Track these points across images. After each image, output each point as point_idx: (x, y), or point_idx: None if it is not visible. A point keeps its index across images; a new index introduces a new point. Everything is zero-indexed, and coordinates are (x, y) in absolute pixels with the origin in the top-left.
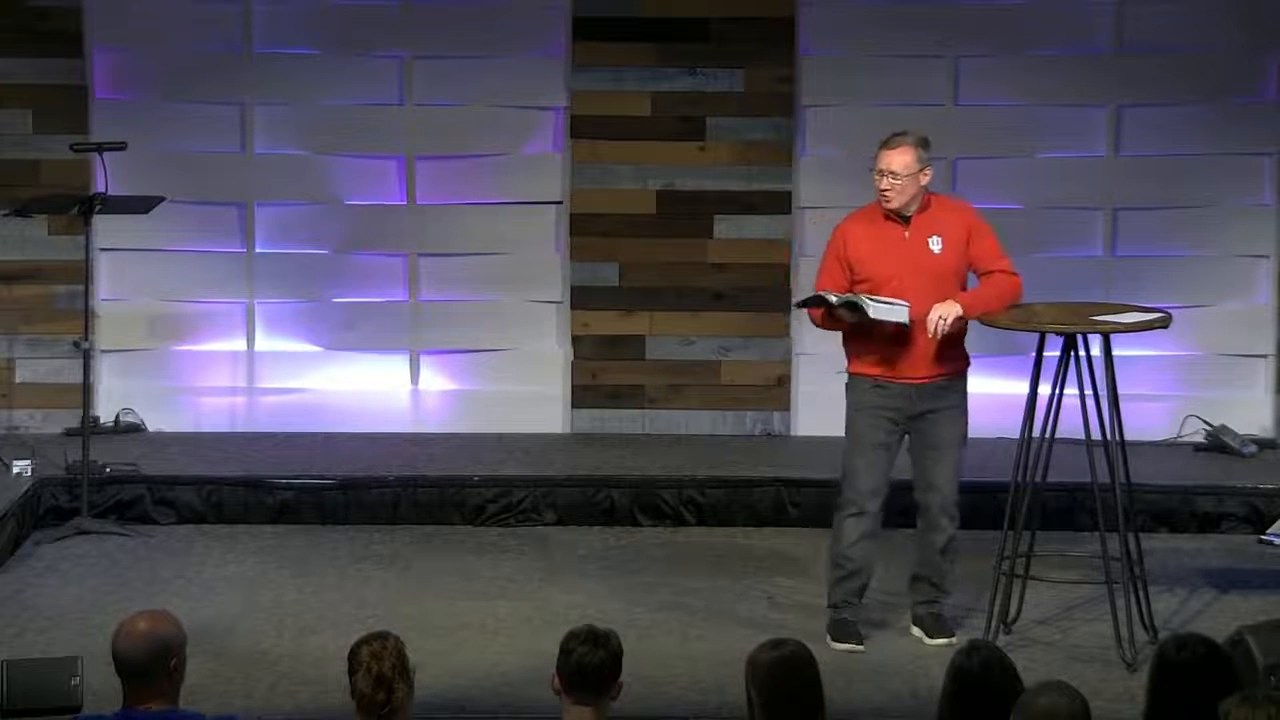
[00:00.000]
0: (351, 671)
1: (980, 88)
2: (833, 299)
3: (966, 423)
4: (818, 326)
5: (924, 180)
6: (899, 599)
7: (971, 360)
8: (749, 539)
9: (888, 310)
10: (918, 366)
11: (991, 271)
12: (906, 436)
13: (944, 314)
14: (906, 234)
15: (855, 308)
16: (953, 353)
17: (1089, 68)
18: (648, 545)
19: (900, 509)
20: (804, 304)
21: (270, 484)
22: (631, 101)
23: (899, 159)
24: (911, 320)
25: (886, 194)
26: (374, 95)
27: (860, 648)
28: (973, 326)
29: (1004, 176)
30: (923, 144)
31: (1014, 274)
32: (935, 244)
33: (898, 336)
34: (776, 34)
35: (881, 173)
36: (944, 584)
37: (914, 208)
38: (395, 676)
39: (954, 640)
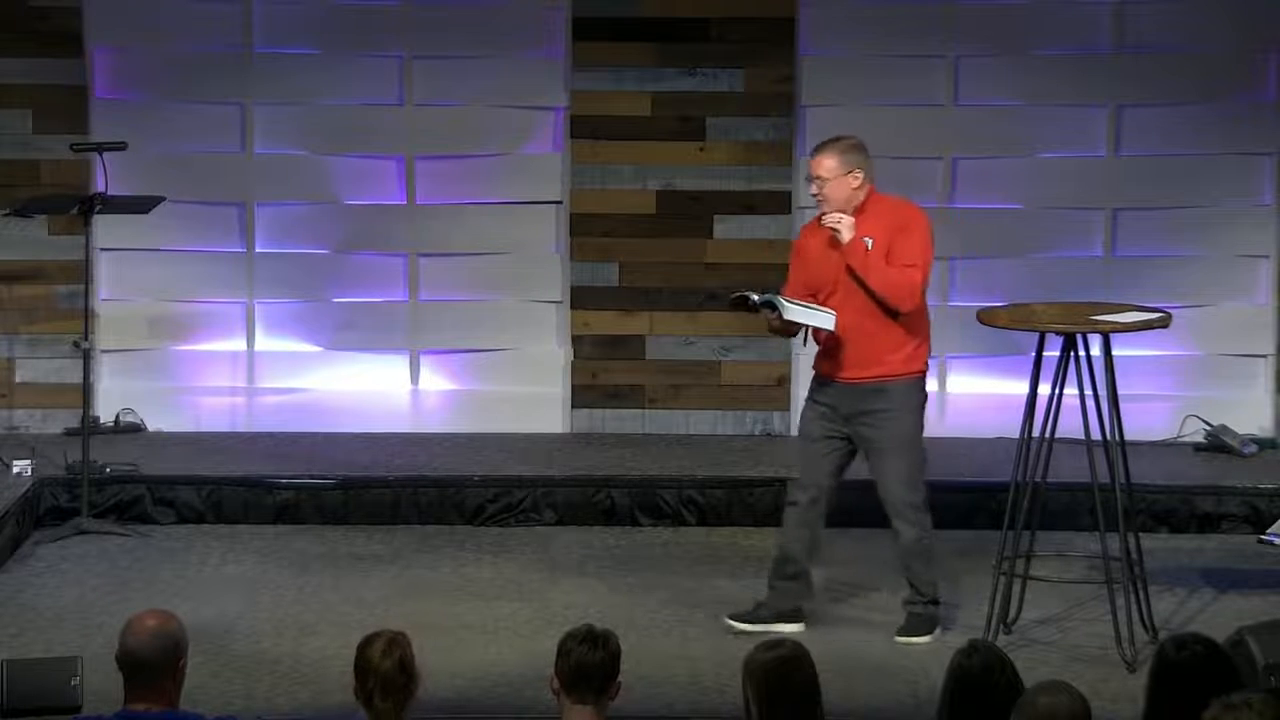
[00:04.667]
0: (367, 661)
1: (980, 88)
2: (754, 298)
3: (908, 426)
4: (771, 330)
5: (854, 183)
6: (890, 597)
7: (924, 372)
8: (749, 539)
9: (807, 315)
10: (850, 367)
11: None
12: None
13: (841, 222)
14: None
15: (774, 308)
16: (892, 357)
17: (1089, 68)
18: (648, 545)
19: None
20: (731, 303)
21: (270, 484)
22: (631, 101)
23: (823, 163)
24: (847, 327)
25: (816, 198)
26: (374, 95)
27: (743, 627)
28: (974, 325)
29: (1004, 176)
30: (851, 149)
31: (913, 277)
32: (867, 244)
33: (840, 336)
34: (776, 34)
35: (809, 179)
36: (918, 584)
37: (850, 210)
38: (413, 667)
39: (921, 640)
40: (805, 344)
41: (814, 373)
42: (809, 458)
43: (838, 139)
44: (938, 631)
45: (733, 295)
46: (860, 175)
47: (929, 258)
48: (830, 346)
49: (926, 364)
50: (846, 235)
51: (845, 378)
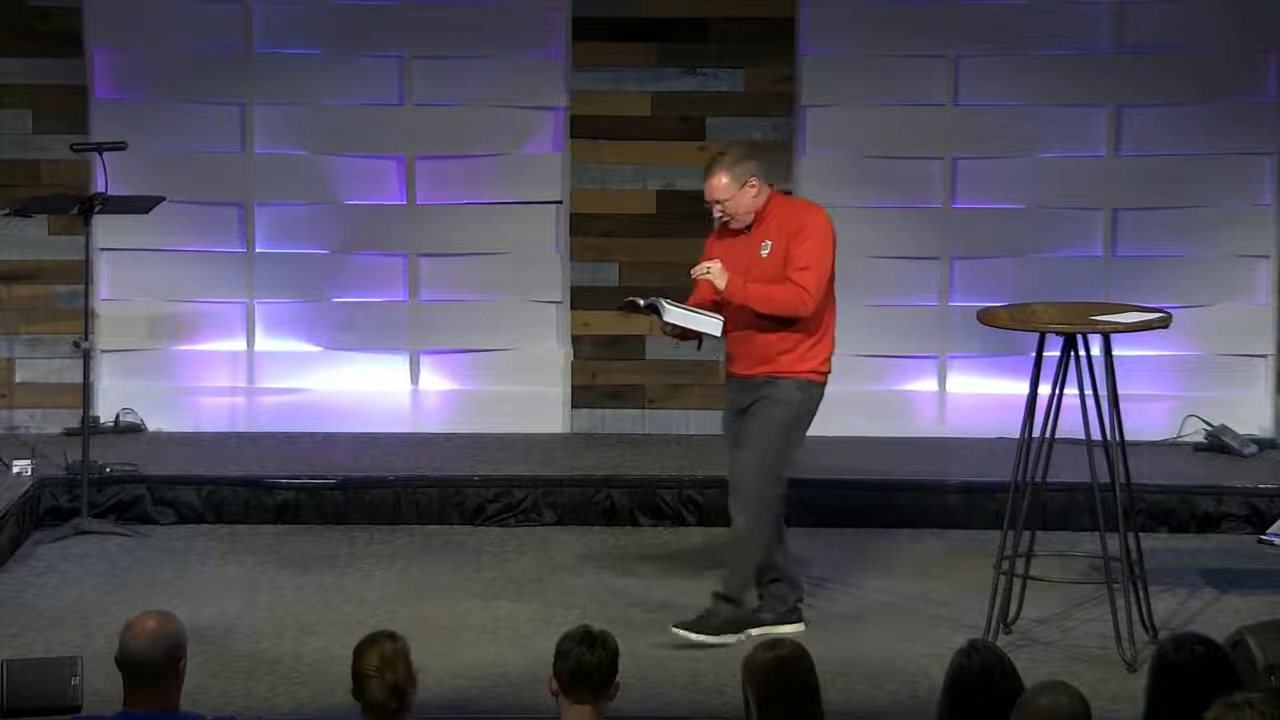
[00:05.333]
0: (361, 675)
1: (980, 88)
2: (641, 302)
3: (779, 419)
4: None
5: (752, 193)
6: (896, 598)
7: (823, 374)
8: None
9: (690, 319)
10: (746, 364)
11: (787, 278)
12: None
13: (710, 271)
14: (747, 239)
15: (658, 311)
16: (784, 356)
17: (1089, 68)
18: (648, 545)
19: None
20: (620, 307)
21: (270, 484)
22: (631, 101)
23: (718, 185)
24: (744, 327)
25: (722, 220)
26: (374, 95)
27: (750, 634)
28: (974, 325)
29: (1004, 176)
30: (739, 161)
31: (803, 287)
32: (765, 248)
33: (743, 331)
34: (776, 34)
35: (709, 204)
36: (727, 577)
37: (753, 217)
38: (408, 683)
39: (694, 636)
40: (699, 349)
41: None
42: (730, 460)
43: (722, 154)
44: (730, 638)
45: (623, 301)
46: (756, 183)
47: (826, 260)
48: (731, 346)
49: (824, 365)
50: (721, 282)
51: (741, 373)
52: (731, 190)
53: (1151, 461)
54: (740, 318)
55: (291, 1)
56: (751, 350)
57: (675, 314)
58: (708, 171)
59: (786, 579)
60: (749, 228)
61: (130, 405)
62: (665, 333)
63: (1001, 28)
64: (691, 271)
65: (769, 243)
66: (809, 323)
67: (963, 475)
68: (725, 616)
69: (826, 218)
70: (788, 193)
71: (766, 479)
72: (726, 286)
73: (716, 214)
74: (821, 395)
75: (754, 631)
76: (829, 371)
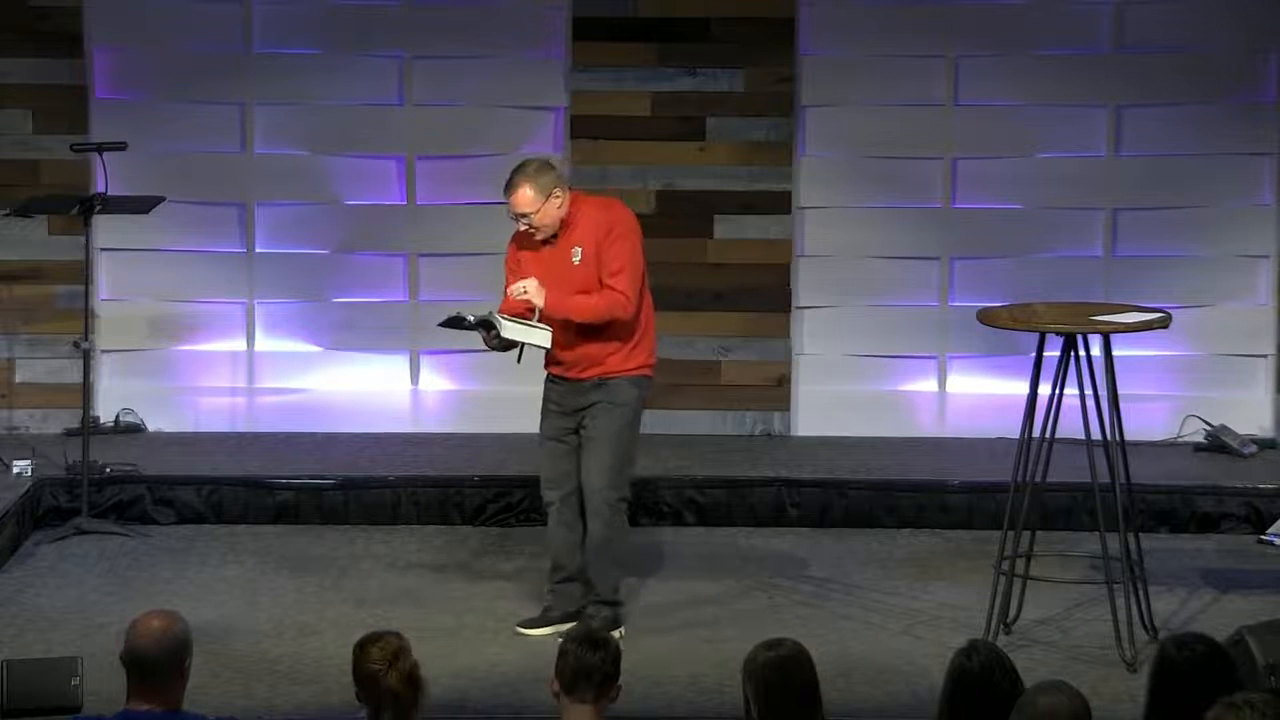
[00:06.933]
0: (369, 672)
1: (980, 88)
2: (470, 318)
3: (617, 421)
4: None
5: (556, 203)
6: (896, 598)
7: (650, 366)
8: (749, 539)
9: (523, 332)
10: (572, 369)
11: (604, 284)
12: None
13: (527, 290)
14: (555, 248)
15: (490, 327)
16: (611, 358)
17: (1089, 68)
18: (648, 545)
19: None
20: (445, 324)
21: (270, 484)
22: (631, 101)
23: (521, 201)
24: (565, 332)
25: (530, 234)
26: (374, 95)
27: (531, 633)
28: (974, 325)
29: (1004, 176)
30: (540, 173)
31: (619, 291)
32: (576, 255)
33: (567, 338)
34: (776, 34)
35: (515, 218)
36: (598, 583)
37: (559, 225)
38: (419, 672)
39: None
40: (520, 360)
41: (546, 375)
42: (549, 457)
43: (522, 167)
44: (617, 633)
45: (446, 317)
46: (560, 193)
47: (638, 257)
48: (559, 353)
49: (648, 360)
50: (539, 300)
51: (571, 376)
52: (537, 203)
53: (1151, 461)
54: (565, 325)
55: (291, 1)
56: (580, 356)
57: (511, 329)
58: (510, 185)
59: (579, 581)
60: (555, 236)
61: (130, 405)
62: (490, 346)
63: (1001, 28)
64: (509, 291)
65: (579, 249)
66: (630, 321)
67: (963, 475)
68: (606, 616)
69: (630, 213)
70: (589, 192)
71: (615, 483)
72: (545, 304)
73: (522, 227)
74: (650, 388)
75: (540, 631)
76: (655, 364)
